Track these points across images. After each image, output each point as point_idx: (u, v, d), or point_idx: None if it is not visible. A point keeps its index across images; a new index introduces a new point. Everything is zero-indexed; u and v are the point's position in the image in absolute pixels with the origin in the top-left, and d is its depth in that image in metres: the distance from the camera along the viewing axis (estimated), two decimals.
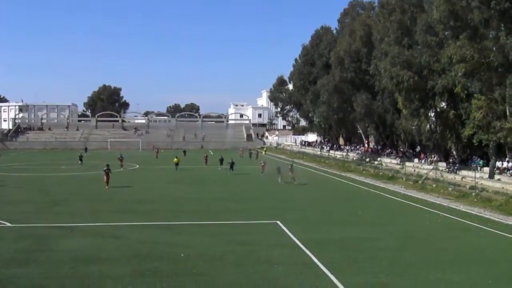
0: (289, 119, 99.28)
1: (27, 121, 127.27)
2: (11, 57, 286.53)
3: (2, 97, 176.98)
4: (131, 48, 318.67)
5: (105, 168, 34.60)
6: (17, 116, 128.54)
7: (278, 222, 22.34)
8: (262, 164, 46.78)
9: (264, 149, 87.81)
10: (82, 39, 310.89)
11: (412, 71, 41.84)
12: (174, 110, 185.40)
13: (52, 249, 17.51)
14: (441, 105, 44.04)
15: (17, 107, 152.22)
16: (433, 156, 47.75)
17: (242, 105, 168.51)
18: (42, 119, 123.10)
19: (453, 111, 41.48)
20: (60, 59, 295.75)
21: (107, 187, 33.59)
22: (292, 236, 19.59)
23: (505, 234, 20.42)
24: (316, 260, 15.92)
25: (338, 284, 13.54)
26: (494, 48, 35.59)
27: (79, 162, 52.04)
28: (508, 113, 35.65)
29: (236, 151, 77.03)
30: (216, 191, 33.92)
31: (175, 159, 48.44)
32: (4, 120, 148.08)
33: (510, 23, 34.65)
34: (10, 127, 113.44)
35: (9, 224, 21.72)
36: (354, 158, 61.84)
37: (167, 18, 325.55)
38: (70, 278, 14.02)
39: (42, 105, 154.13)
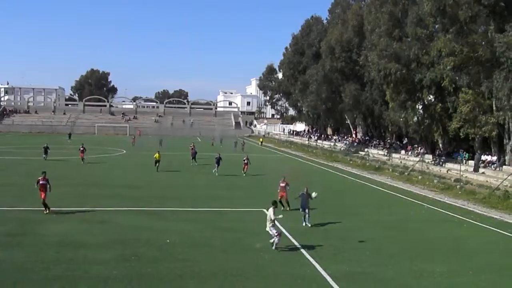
0: (278, 108, 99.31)
1: (13, 103, 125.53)
2: None
3: None
4: (120, 33, 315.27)
5: (40, 178, 21.03)
6: (2, 99, 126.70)
7: (265, 210, 22.38)
8: (245, 160, 36.33)
9: (260, 139, 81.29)
10: (70, 22, 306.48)
11: (401, 64, 41.99)
12: (162, 96, 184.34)
13: (37, 233, 17.40)
14: (429, 98, 44.35)
15: (2, 89, 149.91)
16: (419, 148, 48.18)
17: (231, 93, 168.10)
18: (28, 102, 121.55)
19: (440, 104, 41.80)
20: (47, 42, 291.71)
21: (46, 211, 20.44)
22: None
23: (487, 227, 20.78)
24: (302, 249, 16.05)
25: (323, 272, 13.68)
26: (483, 43, 35.84)
27: (43, 155, 42.25)
28: (494, 108, 36.03)
29: (225, 138, 76.26)
30: (203, 178, 33.87)
31: (156, 155, 36.94)
32: None
33: (499, 19, 34.90)
34: None
35: None
36: (342, 148, 62.18)
37: (157, 5, 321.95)
38: (55, 262, 13.96)
39: (29, 88, 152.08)
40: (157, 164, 36.48)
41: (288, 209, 22.20)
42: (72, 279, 12.59)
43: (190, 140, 61.42)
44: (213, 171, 35.50)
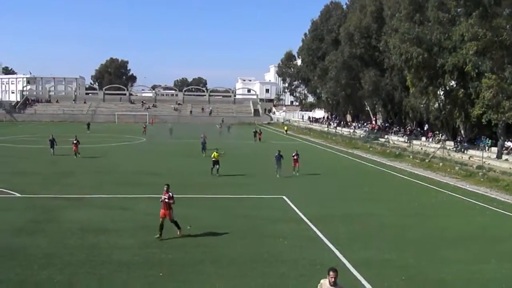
0: (297, 94, 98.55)
1: (34, 93, 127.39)
2: (19, 29, 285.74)
3: (10, 69, 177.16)
4: (138, 21, 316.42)
5: None
6: (24, 88, 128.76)
7: (284, 197, 22.47)
8: (294, 156, 30.32)
9: (285, 128, 76.09)
10: (89, 12, 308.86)
11: (422, 48, 41.17)
12: (181, 84, 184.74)
13: (60, 219, 17.79)
14: (451, 84, 43.48)
15: (24, 79, 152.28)
16: (440, 134, 47.47)
17: (250, 80, 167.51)
18: (49, 91, 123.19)
19: (462, 90, 40.92)
20: (67, 32, 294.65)
21: None
22: (297, 211, 19.73)
23: (511, 214, 20.44)
24: (321, 235, 16.06)
25: (343, 259, 13.68)
26: (507, 26, 34.92)
27: (50, 149, 38.32)
28: None
29: (237, 126, 75.99)
30: (223, 165, 33.94)
31: (215, 154, 29.56)
32: (12, 92, 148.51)
33: None
34: (18, 99, 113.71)
35: (18, 195, 22.02)
36: (361, 135, 61.66)
37: None
38: (78, 247, 14.27)
39: (50, 77, 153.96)
40: (216, 165, 29.19)
41: (178, 233, 15.63)
42: (95, 264, 12.86)
43: (209, 127, 61.64)
44: (276, 171, 29.22)
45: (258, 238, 15.80)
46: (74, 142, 37.43)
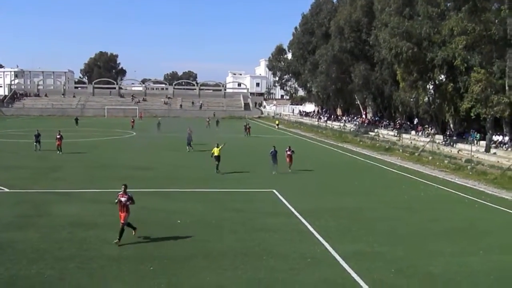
0: (287, 88, 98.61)
1: (23, 87, 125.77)
2: (7, 22, 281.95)
3: None
4: (127, 15, 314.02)
5: None
6: (13, 82, 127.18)
7: (275, 191, 22.52)
8: (288, 151, 29.07)
9: (277, 122, 75.53)
10: (78, 5, 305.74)
11: (412, 43, 41.35)
12: (171, 78, 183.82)
13: (50, 214, 17.69)
14: (440, 78, 43.76)
15: (12, 73, 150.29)
16: (430, 128, 47.81)
17: (240, 74, 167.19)
18: (38, 85, 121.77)
19: (451, 84, 41.24)
20: (56, 25, 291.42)
21: None
22: (288, 205, 19.79)
23: (498, 207, 20.70)
24: (311, 229, 16.15)
25: (333, 252, 13.77)
26: (496, 21, 35.17)
27: (34, 144, 36.66)
28: (506, 87, 35.54)
29: (232, 121, 75.83)
30: (210, 159, 33.86)
31: (215, 150, 28.06)
32: (0, 86, 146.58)
33: None
34: (6, 93, 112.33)
35: (7, 190, 21.82)
36: (351, 129, 61.90)
37: None
38: (68, 242, 14.22)
39: (38, 71, 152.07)
40: (218, 161, 27.82)
41: (134, 233, 14.84)
42: (85, 259, 12.81)
43: (198, 122, 61.31)
44: (273, 169, 28.05)
45: (249, 231, 15.84)
46: (58, 137, 36.24)
